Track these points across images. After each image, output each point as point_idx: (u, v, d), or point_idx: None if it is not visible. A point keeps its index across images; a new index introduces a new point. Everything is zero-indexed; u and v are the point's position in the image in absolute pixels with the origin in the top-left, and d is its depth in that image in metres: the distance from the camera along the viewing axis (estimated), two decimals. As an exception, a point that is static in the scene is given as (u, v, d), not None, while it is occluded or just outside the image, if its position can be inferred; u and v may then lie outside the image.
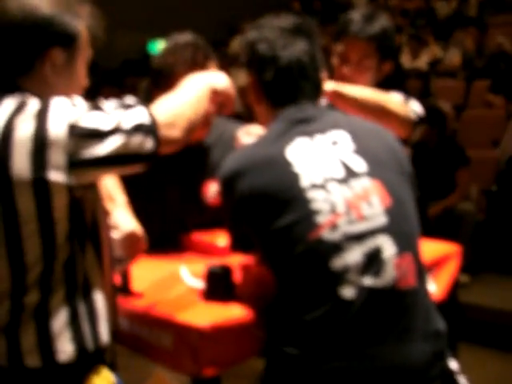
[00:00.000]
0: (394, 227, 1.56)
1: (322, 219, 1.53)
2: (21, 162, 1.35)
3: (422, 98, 4.96)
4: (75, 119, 1.38)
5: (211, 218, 2.21)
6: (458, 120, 6.46)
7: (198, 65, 2.08)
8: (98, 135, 1.38)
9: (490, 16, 9.31)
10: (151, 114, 1.46)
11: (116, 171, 1.54)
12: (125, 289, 1.76)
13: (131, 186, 1.96)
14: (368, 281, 1.50)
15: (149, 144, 1.44)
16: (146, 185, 2.11)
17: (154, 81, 2.15)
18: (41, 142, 1.35)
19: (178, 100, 1.56)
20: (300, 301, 1.53)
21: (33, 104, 1.40)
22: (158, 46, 11.68)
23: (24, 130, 1.36)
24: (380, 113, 2.09)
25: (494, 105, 6.68)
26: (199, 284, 1.80)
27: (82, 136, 1.37)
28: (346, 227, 1.53)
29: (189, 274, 1.89)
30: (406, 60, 8.22)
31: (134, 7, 9.55)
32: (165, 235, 2.11)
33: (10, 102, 1.41)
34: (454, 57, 8.05)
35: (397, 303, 1.52)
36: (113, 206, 1.80)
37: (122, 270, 1.74)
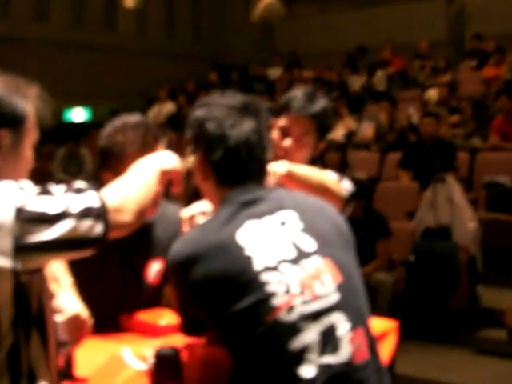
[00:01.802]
0: (346, 303, 1.59)
1: (278, 301, 1.54)
2: None
3: (341, 170, 5.10)
4: (23, 203, 1.34)
5: (151, 297, 2.17)
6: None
7: (148, 146, 2.06)
8: (46, 219, 1.35)
9: (397, 91, 9.79)
10: (101, 199, 1.44)
11: (64, 256, 1.50)
12: (68, 374, 1.69)
13: (72, 264, 1.90)
14: (327, 359, 1.52)
15: (98, 228, 1.41)
16: (86, 262, 2.05)
17: (102, 161, 2.11)
18: None
19: (128, 184, 1.55)
20: (260, 382, 1.52)
21: None
22: (75, 114, 11.60)
23: None
24: (321, 190, 2.16)
25: (402, 180, 6.89)
26: (143, 366, 1.74)
27: (30, 220, 1.33)
28: (302, 307, 1.54)
29: (132, 356, 1.83)
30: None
31: (51, 75, 9.49)
32: (104, 315, 2.04)
33: None
34: (367, 130, 8.35)
35: (353, 378, 1.54)
36: (57, 287, 1.74)
37: (65, 354, 1.67)
